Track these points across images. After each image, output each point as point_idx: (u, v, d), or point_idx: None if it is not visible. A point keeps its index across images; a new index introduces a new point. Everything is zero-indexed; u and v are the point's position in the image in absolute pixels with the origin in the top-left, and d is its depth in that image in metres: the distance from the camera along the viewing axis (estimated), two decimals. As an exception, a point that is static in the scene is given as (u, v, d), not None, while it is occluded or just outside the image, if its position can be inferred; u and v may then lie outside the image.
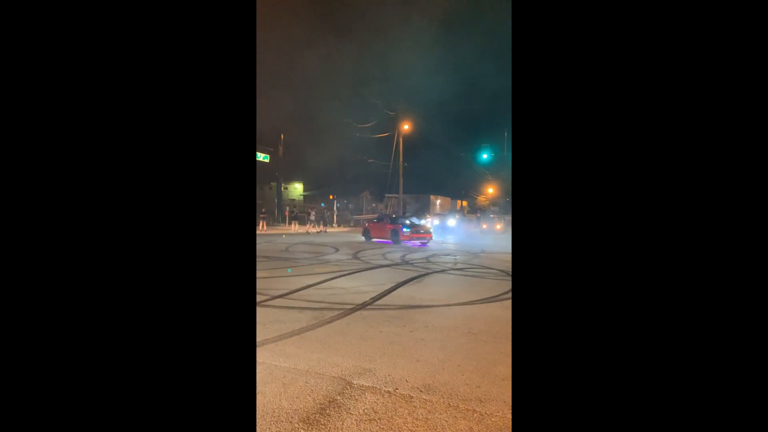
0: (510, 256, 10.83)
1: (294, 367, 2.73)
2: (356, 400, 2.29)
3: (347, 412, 2.14)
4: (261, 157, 26.79)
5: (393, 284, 5.98)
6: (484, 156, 21.48)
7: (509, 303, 5.02)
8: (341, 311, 4.30)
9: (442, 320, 4.09)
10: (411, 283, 6.24)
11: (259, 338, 3.26)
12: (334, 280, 6.25)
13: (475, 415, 2.16)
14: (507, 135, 24.86)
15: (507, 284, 6.35)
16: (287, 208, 26.33)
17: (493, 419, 2.11)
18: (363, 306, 4.58)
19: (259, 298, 4.74)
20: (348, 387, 2.46)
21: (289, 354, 2.98)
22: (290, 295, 5.02)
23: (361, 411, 2.16)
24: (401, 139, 26.92)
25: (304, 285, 5.73)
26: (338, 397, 2.32)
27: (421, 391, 2.43)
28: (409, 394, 2.38)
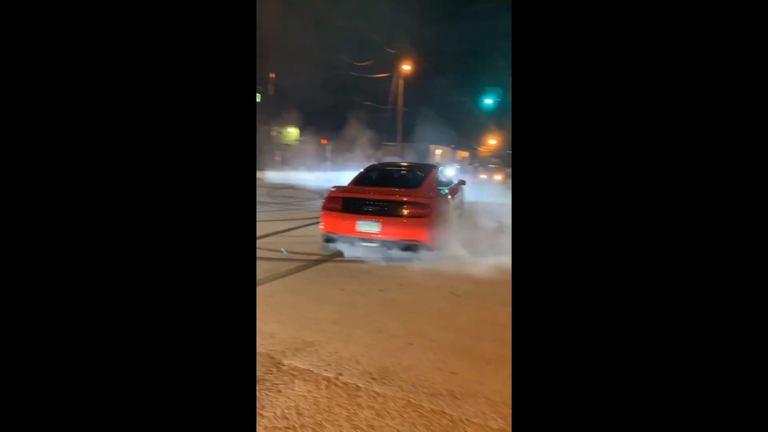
0: (501, 207, 10.02)
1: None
2: (278, 392, 1.63)
3: (258, 415, 1.47)
4: (250, 96, 24.71)
5: (374, 233, 5.28)
6: (488, 101, 20.02)
7: (507, 261, 4.33)
8: (303, 263, 3.62)
9: (422, 277, 3.41)
10: (395, 232, 5.53)
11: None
12: (309, 227, 5.54)
13: (444, 420, 1.50)
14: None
15: (500, 238, 5.62)
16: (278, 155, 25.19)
17: (468, 429, 1.46)
18: (331, 257, 3.90)
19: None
20: (274, 370, 1.79)
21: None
22: (250, 243, 4.33)
23: (277, 412, 1.50)
24: (401, 81, 25.13)
25: (271, 231, 5.03)
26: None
27: (373, 378, 1.77)
28: (356, 384, 1.72)
